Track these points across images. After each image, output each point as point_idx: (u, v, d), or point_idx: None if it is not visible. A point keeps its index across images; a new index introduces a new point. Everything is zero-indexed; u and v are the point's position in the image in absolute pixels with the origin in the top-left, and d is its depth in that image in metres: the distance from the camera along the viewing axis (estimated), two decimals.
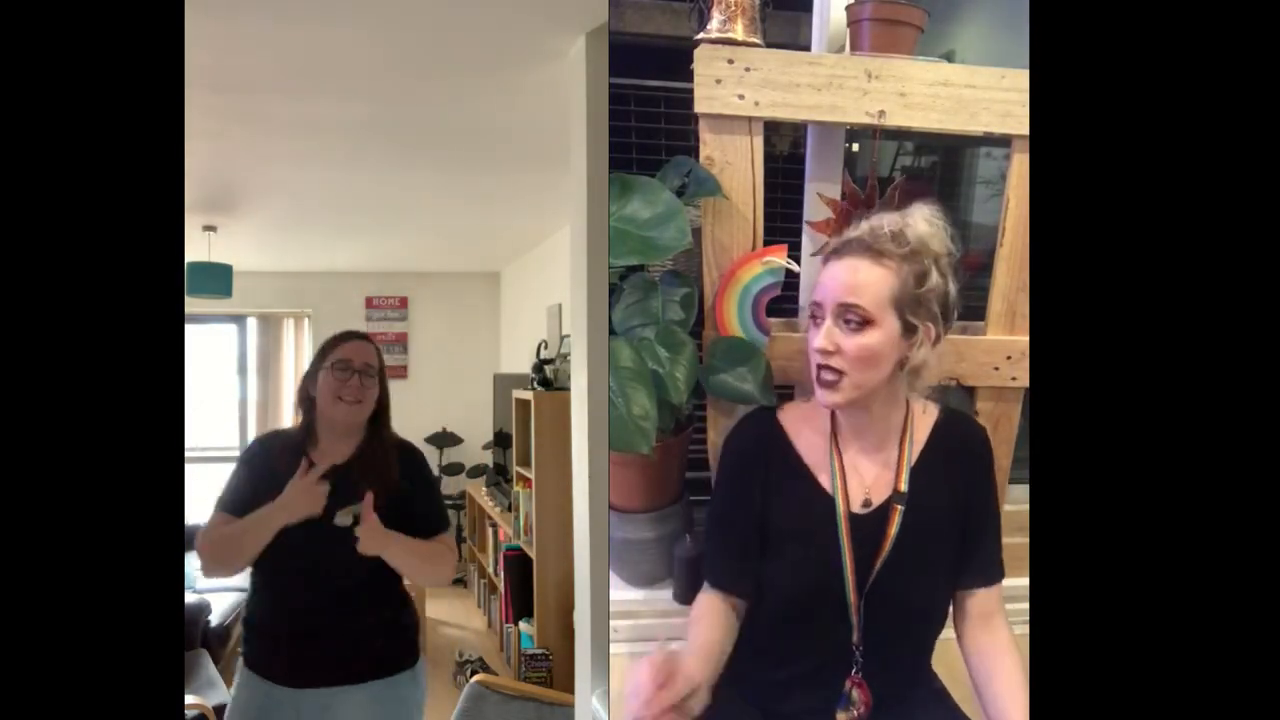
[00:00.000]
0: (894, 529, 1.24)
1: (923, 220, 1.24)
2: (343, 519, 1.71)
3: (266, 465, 1.78)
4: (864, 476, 1.28)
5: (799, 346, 1.48)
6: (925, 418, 1.32)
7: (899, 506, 1.24)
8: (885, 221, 1.23)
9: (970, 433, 1.35)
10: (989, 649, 1.27)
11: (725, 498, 1.35)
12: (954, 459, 1.30)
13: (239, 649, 1.87)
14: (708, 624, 1.28)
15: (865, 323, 1.18)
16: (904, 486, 1.25)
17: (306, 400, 1.81)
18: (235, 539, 1.72)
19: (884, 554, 1.24)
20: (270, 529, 1.69)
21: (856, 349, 1.18)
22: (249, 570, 1.81)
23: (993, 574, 1.31)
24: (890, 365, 1.21)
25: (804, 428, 1.33)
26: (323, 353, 1.81)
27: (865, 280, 1.19)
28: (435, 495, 1.91)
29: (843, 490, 1.26)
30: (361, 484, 1.72)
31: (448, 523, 1.90)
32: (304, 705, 1.76)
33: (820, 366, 1.20)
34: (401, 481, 1.79)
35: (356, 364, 1.77)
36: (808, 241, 1.70)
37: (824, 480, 1.28)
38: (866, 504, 1.26)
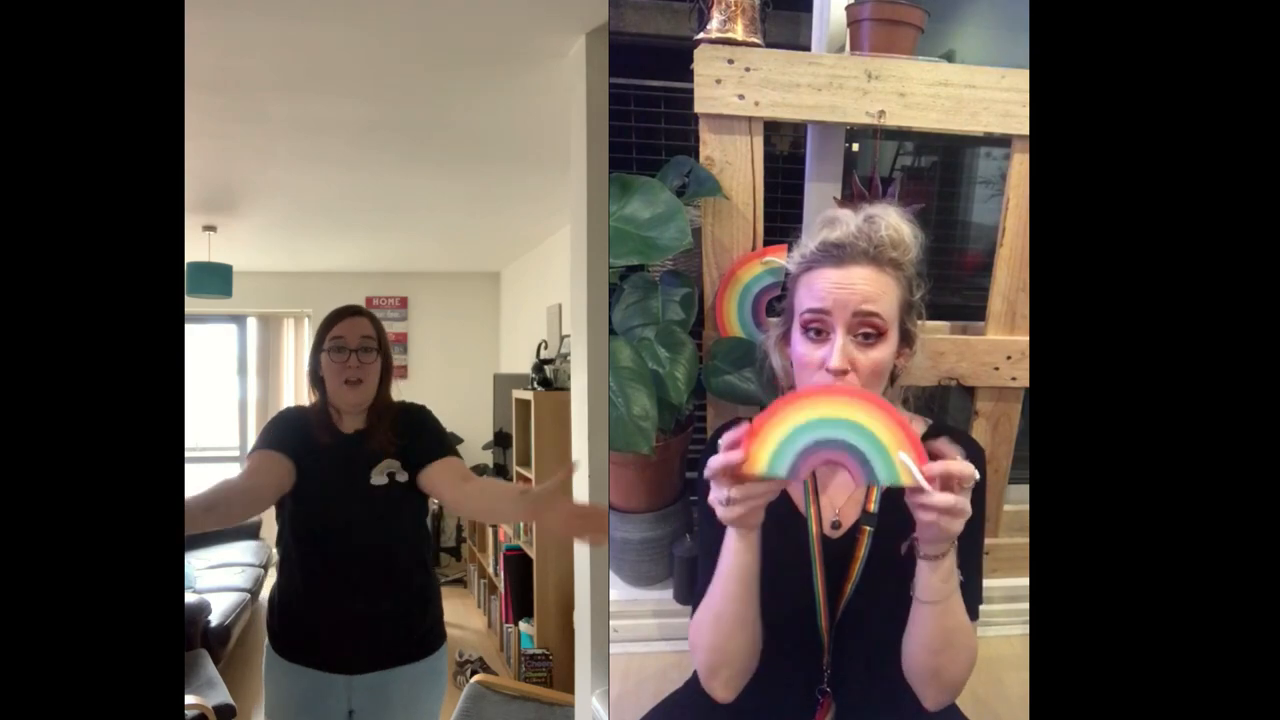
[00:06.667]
0: (863, 552, 1.16)
1: (903, 223, 1.16)
2: (378, 477, 1.75)
3: (292, 432, 1.78)
4: (835, 496, 1.21)
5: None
6: None
7: (868, 529, 1.16)
8: (880, 226, 1.14)
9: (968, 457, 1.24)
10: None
11: (708, 528, 1.24)
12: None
13: (265, 640, 1.84)
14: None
15: (880, 335, 1.10)
16: (874, 507, 1.17)
17: (317, 380, 1.82)
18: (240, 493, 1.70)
19: (853, 579, 1.17)
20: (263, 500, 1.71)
21: (871, 365, 1.10)
22: (280, 545, 1.81)
23: (977, 609, 1.18)
24: (888, 379, 1.15)
25: None
26: (321, 333, 1.82)
27: (878, 288, 1.11)
28: (435, 437, 1.87)
29: (815, 510, 1.19)
30: (372, 449, 1.76)
31: (454, 450, 1.88)
32: (357, 689, 1.77)
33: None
34: (413, 440, 1.81)
35: (351, 342, 1.78)
36: (807, 241, 1.70)
37: (797, 498, 1.21)
38: (836, 525, 1.19)
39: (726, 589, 1.10)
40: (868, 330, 1.10)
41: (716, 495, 1.00)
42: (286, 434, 1.77)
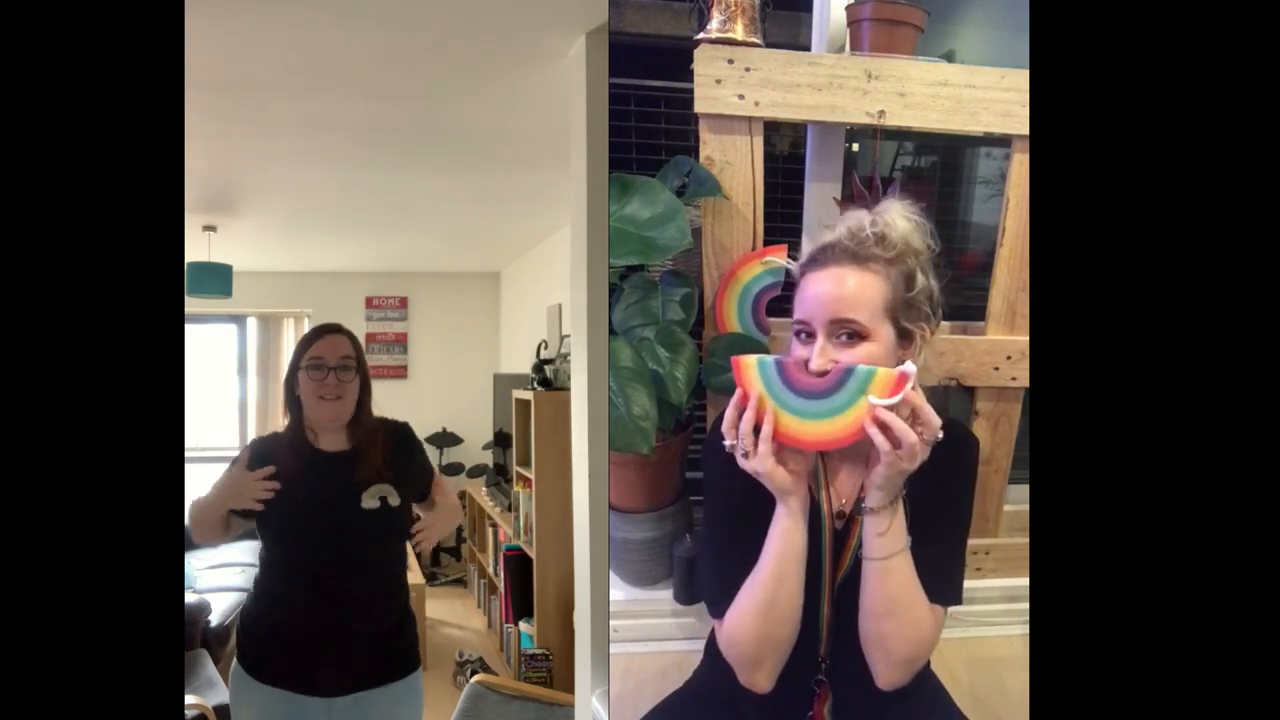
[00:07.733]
0: (855, 540, 1.17)
1: (901, 217, 1.16)
2: (369, 502, 1.74)
3: (271, 455, 1.78)
4: (841, 486, 1.22)
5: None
6: None
7: (860, 517, 1.16)
8: (865, 222, 1.15)
9: (956, 440, 1.19)
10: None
11: (717, 516, 1.26)
12: (935, 468, 1.15)
13: (234, 661, 1.83)
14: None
15: (861, 337, 1.10)
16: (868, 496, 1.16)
17: (293, 400, 1.83)
18: (203, 508, 1.76)
19: (844, 567, 1.18)
20: (217, 510, 1.75)
21: (856, 363, 1.09)
22: (262, 558, 1.80)
23: (950, 597, 1.18)
24: None
25: None
26: (299, 352, 1.82)
27: (855, 291, 1.11)
28: (423, 459, 1.94)
29: (827, 499, 1.20)
30: (361, 474, 1.76)
31: (433, 471, 1.94)
32: (335, 711, 1.76)
33: None
34: (405, 466, 1.83)
35: (330, 361, 1.78)
36: (808, 243, 1.70)
37: (811, 487, 1.20)
38: (840, 514, 1.20)
39: (780, 573, 1.13)
40: (846, 333, 1.11)
41: (740, 452, 1.10)
42: (267, 459, 1.76)
